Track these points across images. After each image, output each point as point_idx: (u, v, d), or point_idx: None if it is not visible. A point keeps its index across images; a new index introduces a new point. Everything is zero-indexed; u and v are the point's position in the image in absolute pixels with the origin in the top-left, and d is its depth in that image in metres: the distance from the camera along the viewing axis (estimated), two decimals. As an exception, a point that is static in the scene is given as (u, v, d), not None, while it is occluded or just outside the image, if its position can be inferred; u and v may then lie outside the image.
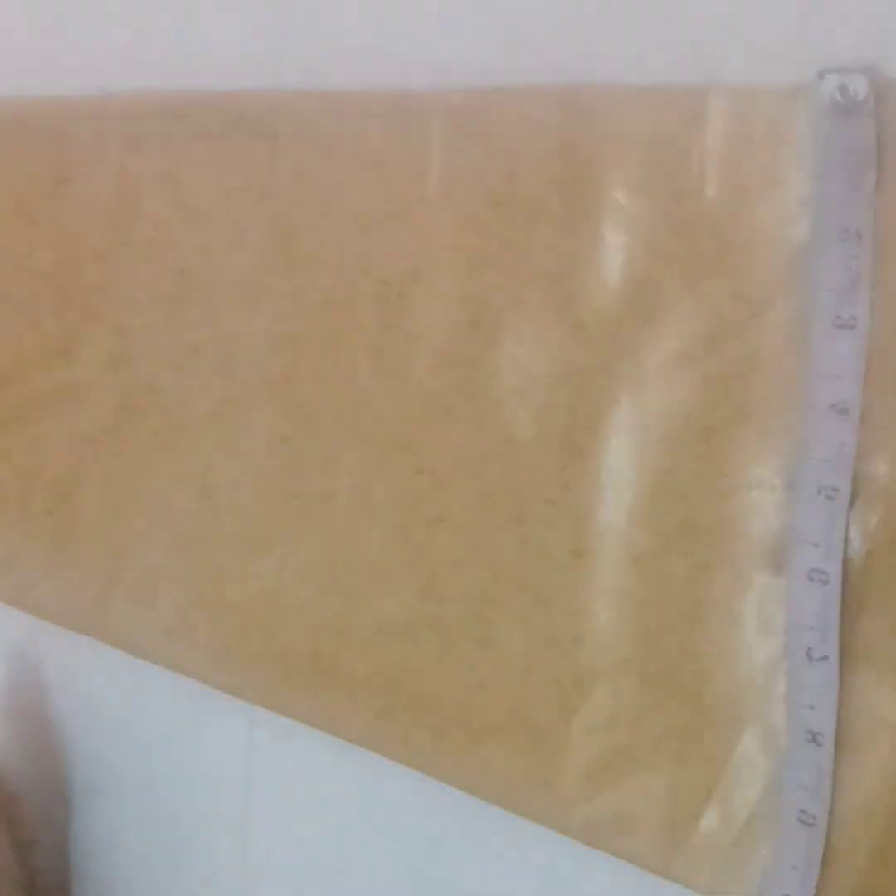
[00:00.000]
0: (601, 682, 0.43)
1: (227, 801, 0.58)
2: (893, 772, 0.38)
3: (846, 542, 0.38)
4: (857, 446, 0.37)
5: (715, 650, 0.41)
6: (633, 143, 0.40)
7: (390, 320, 0.48)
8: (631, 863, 0.43)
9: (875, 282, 0.36)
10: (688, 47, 0.39)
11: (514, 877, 0.48)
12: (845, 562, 0.38)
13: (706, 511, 0.40)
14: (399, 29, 0.47)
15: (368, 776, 0.52)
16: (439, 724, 0.47)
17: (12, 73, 0.62)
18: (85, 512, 0.61)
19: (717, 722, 0.41)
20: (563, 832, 0.45)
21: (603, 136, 0.41)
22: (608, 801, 0.43)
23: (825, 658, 0.38)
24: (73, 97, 0.59)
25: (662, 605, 0.42)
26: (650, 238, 0.40)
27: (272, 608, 0.53)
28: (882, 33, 0.36)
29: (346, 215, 0.48)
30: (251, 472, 0.53)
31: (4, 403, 0.64)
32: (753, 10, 0.38)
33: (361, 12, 0.48)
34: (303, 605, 0.52)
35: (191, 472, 0.56)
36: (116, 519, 0.59)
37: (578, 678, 0.44)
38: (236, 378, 0.53)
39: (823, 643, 0.38)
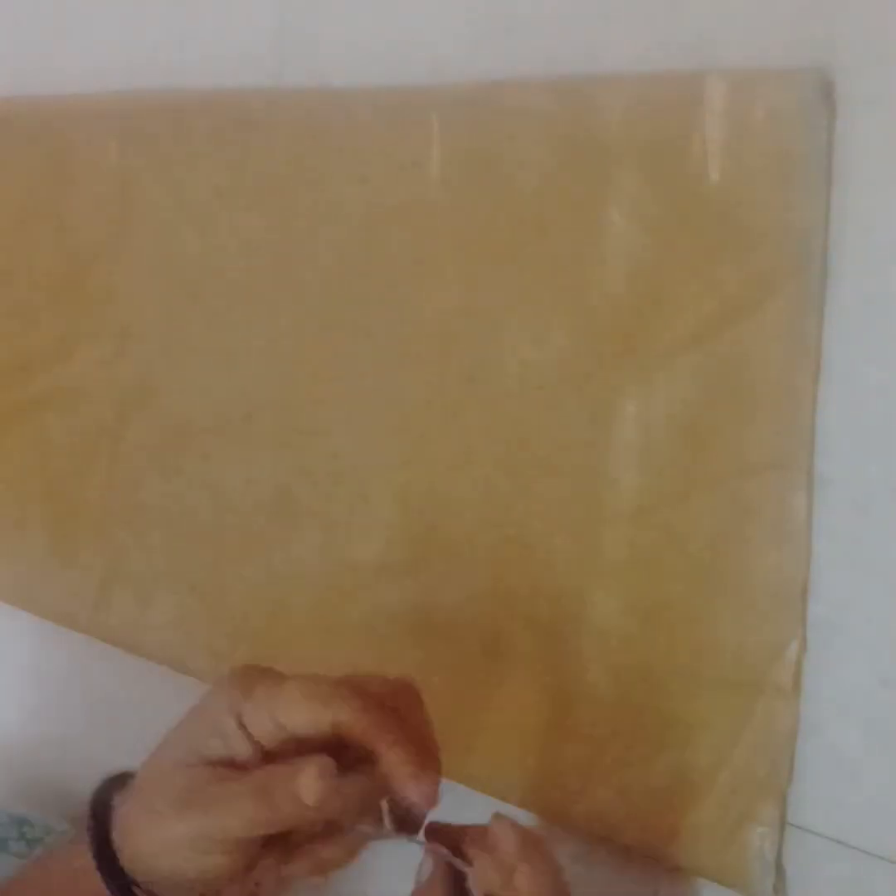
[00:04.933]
0: (602, 669, 0.43)
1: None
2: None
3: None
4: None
5: (720, 632, 0.41)
6: (634, 131, 0.40)
7: (393, 313, 0.48)
8: (631, 850, 0.44)
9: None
10: (689, 37, 0.40)
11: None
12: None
13: (716, 494, 0.40)
14: (398, 26, 0.47)
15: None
16: (439, 724, 0.47)
17: (12, 73, 0.63)
18: (85, 512, 0.61)
19: (721, 709, 0.41)
20: (565, 825, 0.45)
21: (604, 124, 0.41)
22: (607, 792, 0.43)
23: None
24: (73, 97, 0.59)
25: (664, 592, 0.42)
26: (655, 224, 0.40)
27: (272, 608, 0.53)
28: (880, 24, 0.36)
29: (347, 212, 0.48)
30: (251, 471, 0.53)
31: (5, 403, 0.64)
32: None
33: (361, 10, 0.48)
34: (303, 605, 0.52)
35: (191, 472, 0.56)
36: (116, 519, 0.59)
37: (581, 669, 0.44)
38: (237, 377, 0.53)
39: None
